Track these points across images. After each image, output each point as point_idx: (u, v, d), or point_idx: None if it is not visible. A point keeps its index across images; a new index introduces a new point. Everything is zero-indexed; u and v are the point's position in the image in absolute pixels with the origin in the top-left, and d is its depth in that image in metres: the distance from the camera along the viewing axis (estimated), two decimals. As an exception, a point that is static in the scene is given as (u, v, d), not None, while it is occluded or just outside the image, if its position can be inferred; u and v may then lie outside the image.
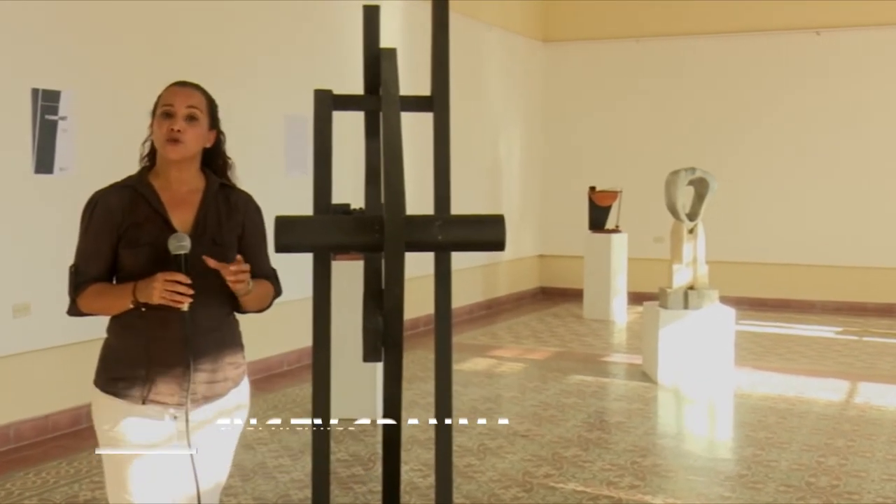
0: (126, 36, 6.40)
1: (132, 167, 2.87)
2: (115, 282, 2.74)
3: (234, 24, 7.37)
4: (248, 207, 2.84)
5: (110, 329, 2.78)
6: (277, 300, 2.95)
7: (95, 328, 2.95)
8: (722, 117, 12.01)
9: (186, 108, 2.70)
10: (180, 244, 2.60)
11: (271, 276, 2.89)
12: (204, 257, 2.62)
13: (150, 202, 2.71)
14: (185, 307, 2.60)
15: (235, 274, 2.63)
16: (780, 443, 5.92)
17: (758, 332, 10.01)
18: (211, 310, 2.71)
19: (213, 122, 2.79)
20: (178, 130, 2.68)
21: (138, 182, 2.75)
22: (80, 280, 2.71)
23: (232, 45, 7.33)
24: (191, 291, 2.58)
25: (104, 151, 6.04)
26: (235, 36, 7.38)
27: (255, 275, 2.83)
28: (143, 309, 2.64)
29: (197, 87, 2.79)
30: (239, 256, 2.68)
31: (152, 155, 2.80)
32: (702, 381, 7.47)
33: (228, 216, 2.78)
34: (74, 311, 2.75)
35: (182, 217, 2.73)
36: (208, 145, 2.79)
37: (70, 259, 2.75)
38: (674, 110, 12.24)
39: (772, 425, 6.33)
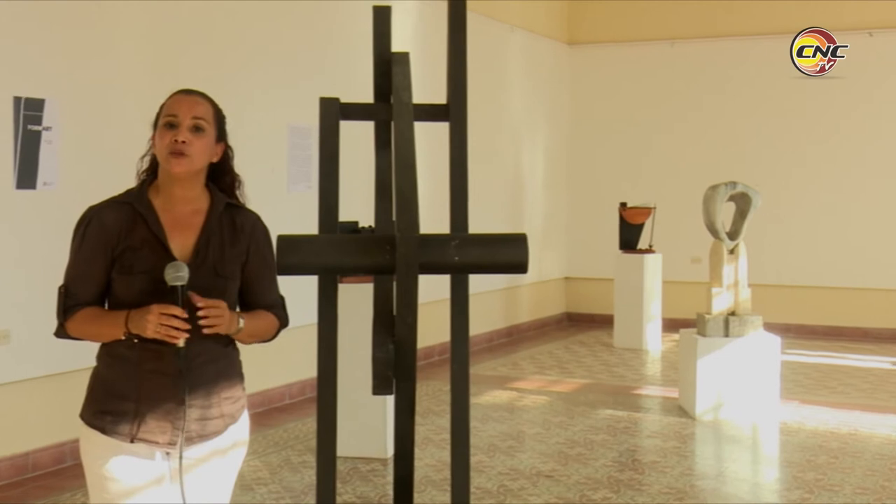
0: (116, 39, 6.44)
1: (122, 182, 2.88)
2: (107, 306, 2.75)
3: (232, 26, 7.41)
4: (254, 229, 2.83)
5: (100, 358, 2.78)
6: (280, 328, 2.95)
7: (81, 358, 2.97)
8: (765, 126, 11.99)
9: (192, 119, 2.69)
10: (178, 274, 2.59)
11: (277, 306, 2.88)
12: (190, 294, 2.61)
13: (149, 223, 2.70)
14: (181, 343, 2.60)
15: (207, 316, 2.61)
16: (831, 485, 5.87)
17: (806, 363, 9.95)
18: (208, 342, 2.71)
19: (221, 134, 2.79)
20: (183, 142, 2.67)
21: (138, 199, 2.74)
22: (70, 303, 2.71)
23: (229, 48, 7.37)
24: (187, 326, 2.58)
25: (92, 165, 6.08)
26: (233, 39, 7.42)
27: (257, 305, 2.83)
28: (136, 340, 2.65)
29: (203, 95, 2.79)
30: (217, 301, 2.66)
31: (152, 171, 2.80)
32: (744, 417, 7.42)
33: (233, 242, 2.78)
34: (62, 333, 2.77)
35: (182, 242, 2.72)
36: (215, 160, 2.79)
37: (55, 281, 2.77)
38: (712, 119, 12.23)
39: (822, 466, 6.28)
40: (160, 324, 2.57)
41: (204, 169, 2.77)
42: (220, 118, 2.79)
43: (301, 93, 7.81)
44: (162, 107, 2.76)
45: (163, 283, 2.61)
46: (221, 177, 2.84)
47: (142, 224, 2.71)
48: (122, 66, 6.45)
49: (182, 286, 2.59)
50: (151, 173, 2.80)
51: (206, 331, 2.63)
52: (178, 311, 2.57)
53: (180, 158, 2.68)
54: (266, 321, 2.84)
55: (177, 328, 2.57)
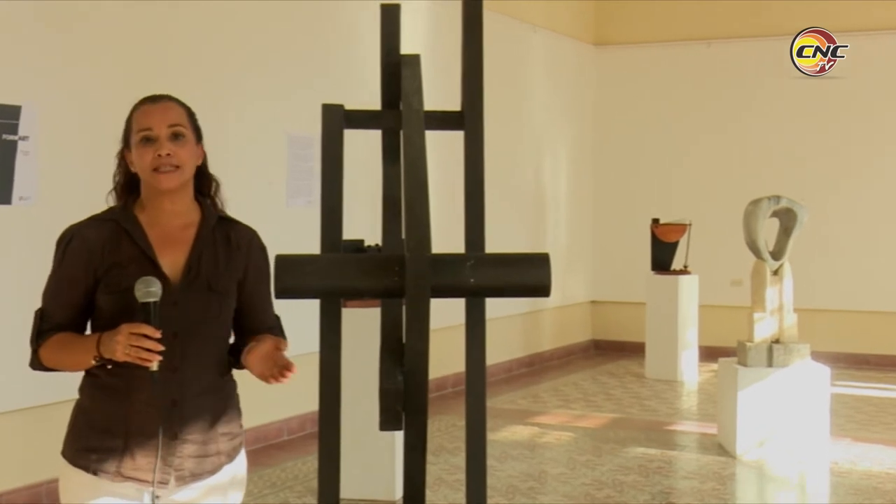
0: (100, 41, 6.47)
1: (105, 197, 2.88)
2: (90, 330, 2.76)
3: (227, 27, 7.44)
4: (251, 246, 2.84)
5: (83, 389, 2.78)
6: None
7: (61, 389, 2.97)
8: (812, 135, 11.95)
9: (168, 128, 2.71)
10: (149, 290, 2.57)
11: (276, 327, 2.90)
12: (268, 349, 2.64)
13: (136, 240, 2.72)
14: (154, 366, 2.57)
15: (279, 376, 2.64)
16: (887, 531, 5.84)
17: (858, 396, 9.91)
18: (203, 369, 2.71)
19: (199, 135, 2.81)
20: (168, 155, 2.69)
21: (122, 215, 2.76)
22: (45, 327, 2.72)
23: (223, 50, 7.40)
24: (160, 347, 2.55)
25: (73, 177, 6.09)
26: (228, 41, 7.45)
27: (258, 328, 2.84)
28: (110, 367, 2.64)
29: (171, 98, 2.81)
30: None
31: (129, 185, 2.80)
32: (790, 456, 7.39)
33: (228, 258, 2.79)
34: (37, 363, 2.76)
35: (173, 258, 2.73)
36: (199, 163, 2.81)
37: (31, 306, 2.77)
38: (754, 126, 12.20)
39: (877, 510, 6.25)
40: (130, 345, 2.54)
41: (192, 178, 2.79)
42: (193, 118, 2.81)
43: (301, 99, 7.82)
44: (129, 120, 2.76)
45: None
46: (204, 182, 2.86)
47: (127, 240, 2.72)
48: (107, 71, 6.47)
49: (154, 303, 2.57)
50: (130, 191, 2.80)
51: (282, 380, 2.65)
52: (148, 330, 2.55)
53: (170, 173, 2.69)
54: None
55: (149, 350, 2.54)
